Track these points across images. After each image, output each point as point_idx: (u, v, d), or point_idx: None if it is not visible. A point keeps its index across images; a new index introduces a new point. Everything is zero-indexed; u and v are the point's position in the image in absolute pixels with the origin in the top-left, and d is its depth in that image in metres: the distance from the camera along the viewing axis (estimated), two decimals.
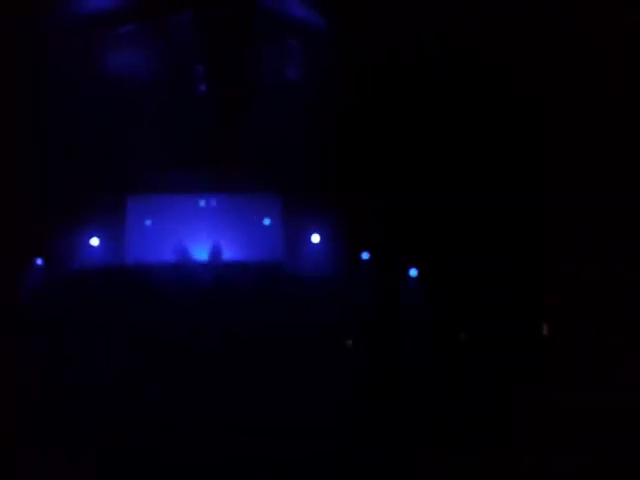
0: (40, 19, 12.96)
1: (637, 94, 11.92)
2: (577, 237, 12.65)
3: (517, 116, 13.05)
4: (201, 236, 14.34)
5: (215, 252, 14.20)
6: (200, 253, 14.26)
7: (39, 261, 13.78)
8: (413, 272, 13.89)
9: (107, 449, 12.40)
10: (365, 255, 14.06)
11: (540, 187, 13.08)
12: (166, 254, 14.17)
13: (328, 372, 13.16)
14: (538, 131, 12.95)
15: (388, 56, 13.00)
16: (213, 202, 14.46)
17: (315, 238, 14.17)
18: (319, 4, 13.15)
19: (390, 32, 12.59)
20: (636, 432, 11.77)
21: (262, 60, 13.91)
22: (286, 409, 12.84)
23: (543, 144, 12.96)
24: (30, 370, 12.88)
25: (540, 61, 12.24)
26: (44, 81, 13.50)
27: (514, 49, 12.15)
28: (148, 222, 14.38)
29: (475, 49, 12.36)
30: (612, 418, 11.97)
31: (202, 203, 14.42)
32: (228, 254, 14.27)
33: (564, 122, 12.58)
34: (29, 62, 13.28)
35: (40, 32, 13.06)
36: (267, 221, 14.39)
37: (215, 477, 12.31)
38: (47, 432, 12.52)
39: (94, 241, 14.10)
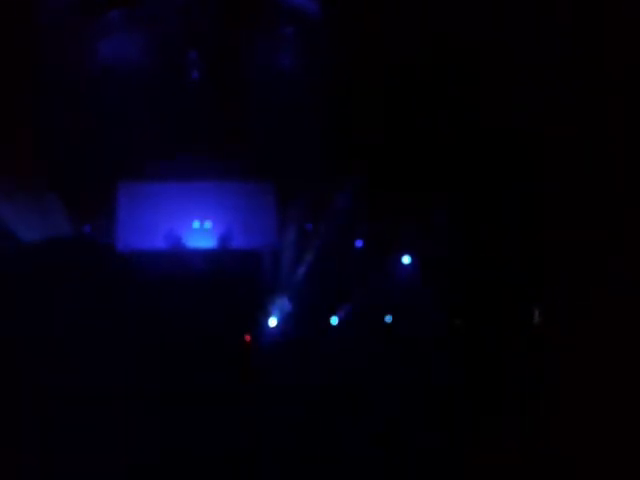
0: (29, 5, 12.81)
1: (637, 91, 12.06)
2: None
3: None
4: (193, 223, 14.26)
5: (210, 239, 14.15)
6: (192, 240, 14.18)
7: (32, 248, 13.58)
8: (407, 259, 13.99)
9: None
10: (359, 243, 14.11)
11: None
12: (157, 241, 14.07)
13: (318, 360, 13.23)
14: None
15: (385, 45, 13.05)
16: (205, 189, 14.36)
17: (309, 226, 14.17)
18: None
19: (389, 22, 12.64)
20: None
21: (256, 46, 13.87)
22: (280, 398, 12.89)
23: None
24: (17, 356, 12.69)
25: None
26: (33, 68, 13.32)
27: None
28: (139, 209, 14.23)
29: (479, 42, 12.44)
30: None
31: (194, 190, 14.32)
32: (221, 241, 14.19)
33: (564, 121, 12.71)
34: (17, 49, 13.10)
35: (27, 17, 12.91)
36: (260, 208, 14.36)
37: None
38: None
39: (84, 228, 13.94)
